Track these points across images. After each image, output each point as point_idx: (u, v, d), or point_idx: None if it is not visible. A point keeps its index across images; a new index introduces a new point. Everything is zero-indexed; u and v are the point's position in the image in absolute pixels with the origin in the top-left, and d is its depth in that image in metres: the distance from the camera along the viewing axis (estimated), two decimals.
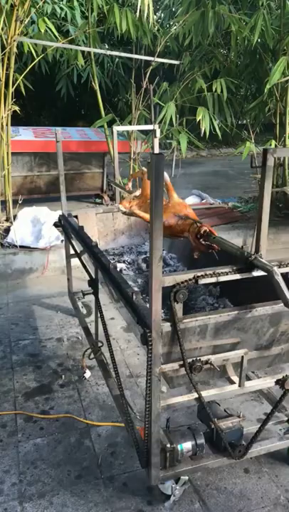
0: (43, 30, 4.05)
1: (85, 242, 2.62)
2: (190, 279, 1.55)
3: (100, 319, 2.34)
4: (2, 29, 3.96)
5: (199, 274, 1.57)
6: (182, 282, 1.54)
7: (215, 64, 5.43)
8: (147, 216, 2.06)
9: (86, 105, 10.51)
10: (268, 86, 4.27)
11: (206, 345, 1.72)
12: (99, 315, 2.37)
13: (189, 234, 2.06)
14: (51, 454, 2.19)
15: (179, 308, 1.57)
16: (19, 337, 3.31)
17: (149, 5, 4.24)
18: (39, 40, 4.52)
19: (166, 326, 1.59)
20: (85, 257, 2.79)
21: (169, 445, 1.78)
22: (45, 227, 4.65)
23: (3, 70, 4.21)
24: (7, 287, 4.17)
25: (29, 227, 4.75)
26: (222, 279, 1.59)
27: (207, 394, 1.78)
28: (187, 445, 1.83)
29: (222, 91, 4.76)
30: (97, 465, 2.12)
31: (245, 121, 6.16)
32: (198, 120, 4.76)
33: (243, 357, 1.77)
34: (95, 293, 2.50)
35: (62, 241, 4.63)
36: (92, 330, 2.95)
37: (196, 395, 1.73)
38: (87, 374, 2.79)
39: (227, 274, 1.61)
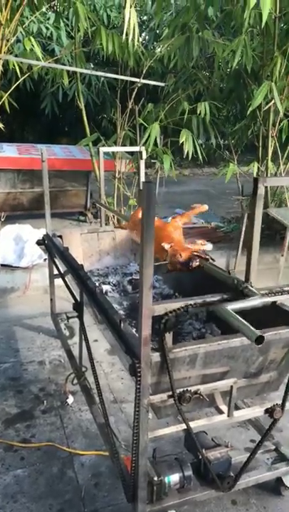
0: (28, 49, 4.04)
1: (70, 264, 2.57)
2: (181, 308, 1.52)
3: (84, 343, 2.29)
4: None
5: (190, 303, 1.55)
6: (172, 311, 1.51)
7: (199, 87, 5.51)
8: None
9: (70, 122, 10.52)
10: (250, 109, 4.36)
11: (195, 374, 1.68)
12: (83, 339, 2.31)
13: (177, 259, 2.03)
14: (32, 487, 2.10)
15: (168, 337, 1.54)
16: (0, 360, 3.21)
17: (134, 28, 4.29)
18: (25, 59, 4.51)
19: (156, 356, 1.56)
20: (69, 277, 2.74)
21: (156, 478, 1.73)
22: (27, 246, 4.58)
23: None
24: None
25: (11, 246, 4.68)
26: (212, 307, 1.56)
27: (196, 425, 1.74)
28: (175, 477, 1.78)
29: (206, 113, 4.82)
30: (80, 498, 2.05)
31: (226, 142, 6.25)
32: (181, 142, 4.80)
33: (232, 386, 1.74)
34: (80, 317, 2.45)
35: (45, 260, 4.56)
36: (76, 353, 2.88)
37: (184, 426, 1.68)
38: (70, 400, 2.72)
39: (217, 303, 1.59)
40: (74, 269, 2.45)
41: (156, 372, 1.59)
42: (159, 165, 5.16)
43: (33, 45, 4.05)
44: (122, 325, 1.75)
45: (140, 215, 2.82)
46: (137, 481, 1.66)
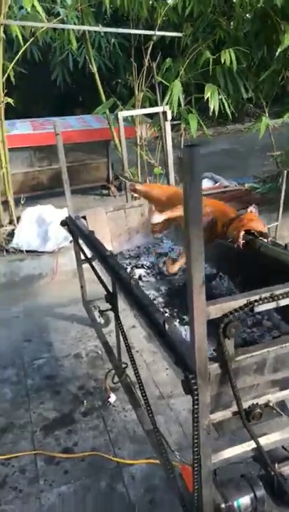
0: (28, 8, 3.62)
1: (98, 251, 2.26)
2: (243, 307, 1.19)
3: (122, 339, 1.99)
4: None
5: (253, 299, 1.20)
6: (233, 311, 1.18)
7: (219, 33, 4.96)
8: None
9: (83, 91, 10.04)
10: (279, 49, 3.87)
11: (263, 381, 1.36)
12: (121, 335, 2.02)
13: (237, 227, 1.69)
14: (79, 507, 1.87)
15: (229, 344, 1.21)
16: (33, 356, 2.99)
17: None
18: (26, 21, 4.09)
19: (215, 368, 1.24)
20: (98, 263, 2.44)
21: (223, 505, 1.44)
22: (51, 228, 4.30)
23: None
24: (16, 297, 3.83)
25: (34, 229, 4.40)
26: (283, 302, 1.22)
27: (268, 441, 1.43)
28: (245, 500, 1.48)
29: (231, 62, 4.31)
30: None
31: (250, 95, 5.71)
32: (206, 98, 4.34)
33: None
34: (115, 310, 2.15)
35: (71, 241, 4.28)
36: (112, 343, 2.62)
37: (253, 445, 1.38)
38: (112, 398, 2.46)
39: None
40: (102, 256, 2.13)
41: (215, 386, 1.28)
42: (183, 126, 4.71)
43: (33, 4, 3.62)
44: (166, 327, 1.43)
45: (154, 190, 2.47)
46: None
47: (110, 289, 2.17)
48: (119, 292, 2.04)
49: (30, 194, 5.59)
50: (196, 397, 1.22)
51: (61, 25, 4.55)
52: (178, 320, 2.05)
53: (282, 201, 4.39)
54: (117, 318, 2.09)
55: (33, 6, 3.61)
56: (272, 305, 1.20)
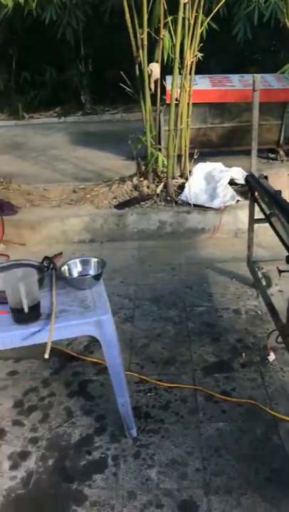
0: None
1: (285, 210, 2.26)
2: None
3: None
4: None
5: None
6: None
7: None
8: None
9: (262, 48, 9.61)
10: None
11: None
12: None
13: None
14: (236, 445, 2.01)
15: None
16: (194, 302, 3.17)
17: None
18: None
19: None
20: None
21: None
22: (220, 186, 4.36)
23: (192, 12, 3.88)
24: (179, 247, 4.05)
25: (203, 185, 4.51)
26: None
27: None
28: None
29: None
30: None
31: None
32: None
33: None
34: None
35: (237, 201, 4.31)
36: (278, 307, 2.65)
37: None
38: (271, 357, 2.52)
39: None
40: None
41: None
42: None
43: None
44: None
45: None
46: None
47: None
48: None
49: (199, 150, 5.69)
50: None
51: None
52: None
53: None
54: None
55: None
56: None
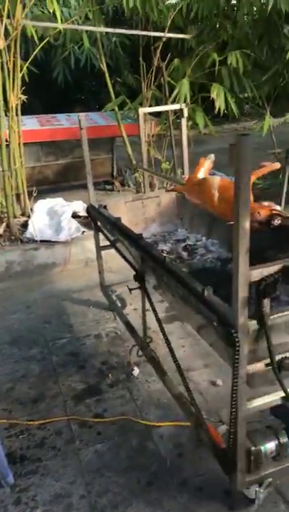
0: (52, 10, 3.80)
1: (127, 235, 2.46)
2: (281, 269, 1.41)
3: (149, 313, 2.21)
4: (7, 15, 3.73)
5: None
6: (271, 275, 1.40)
7: (223, 36, 5.19)
8: None
9: (84, 90, 10.20)
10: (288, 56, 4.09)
11: None
12: (151, 309, 2.23)
13: (256, 217, 1.90)
14: (115, 461, 2.08)
15: (266, 303, 1.43)
16: (55, 336, 3.18)
17: None
18: (44, 22, 4.28)
19: (253, 325, 1.46)
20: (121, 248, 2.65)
21: (253, 447, 1.67)
22: (64, 219, 4.49)
23: (10, 57, 3.99)
24: (32, 284, 4.02)
25: (47, 220, 4.59)
26: None
27: None
28: (270, 446, 1.71)
29: (237, 63, 4.54)
30: (166, 469, 2.01)
31: (252, 95, 5.95)
32: (212, 97, 4.57)
33: None
34: (143, 287, 2.36)
35: (83, 232, 4.48)
36: (134, 324, 2.83)
37: (282, 394, 1.60)
38: (136, 371, 2.67)
39: None
40: (133, 239, 2.34)
41: (251, 340, 1.50)
42: (189, 124, 4.93)
43: (54, 8, 3.80)
44: (205, 293, 1.65)
45: (199, 175, 2.70)
46: (236, 453, 1.60)
47: (138, 268, 2.38)
48: (149, 270, 2.25)
49: (36, 188, 5.77)
50: (237, 350, 1.44)
51: (78, 27, 4.74)
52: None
53: (284, 197, 4.65)
54: (147, 295, 2.29)
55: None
56: None
